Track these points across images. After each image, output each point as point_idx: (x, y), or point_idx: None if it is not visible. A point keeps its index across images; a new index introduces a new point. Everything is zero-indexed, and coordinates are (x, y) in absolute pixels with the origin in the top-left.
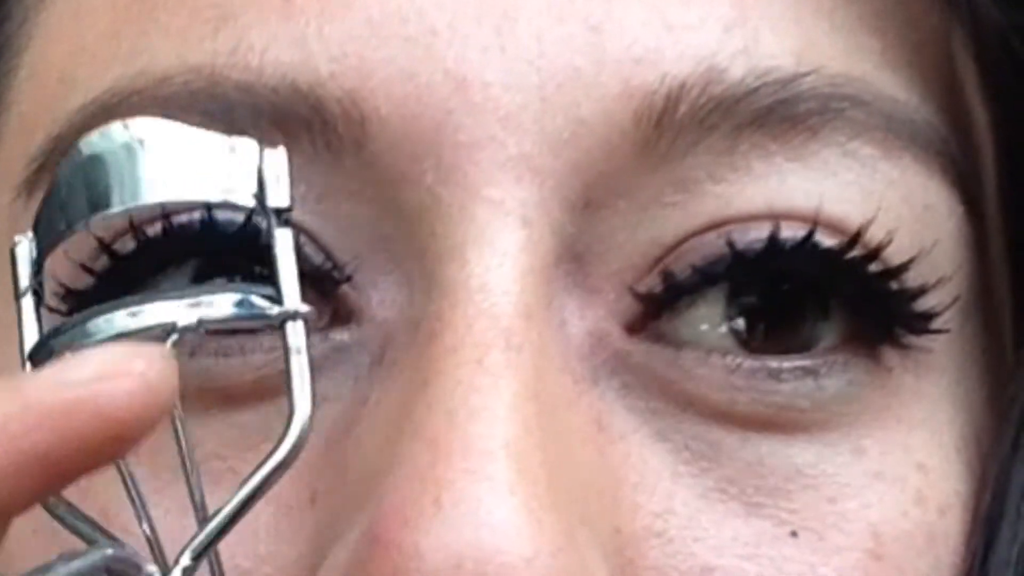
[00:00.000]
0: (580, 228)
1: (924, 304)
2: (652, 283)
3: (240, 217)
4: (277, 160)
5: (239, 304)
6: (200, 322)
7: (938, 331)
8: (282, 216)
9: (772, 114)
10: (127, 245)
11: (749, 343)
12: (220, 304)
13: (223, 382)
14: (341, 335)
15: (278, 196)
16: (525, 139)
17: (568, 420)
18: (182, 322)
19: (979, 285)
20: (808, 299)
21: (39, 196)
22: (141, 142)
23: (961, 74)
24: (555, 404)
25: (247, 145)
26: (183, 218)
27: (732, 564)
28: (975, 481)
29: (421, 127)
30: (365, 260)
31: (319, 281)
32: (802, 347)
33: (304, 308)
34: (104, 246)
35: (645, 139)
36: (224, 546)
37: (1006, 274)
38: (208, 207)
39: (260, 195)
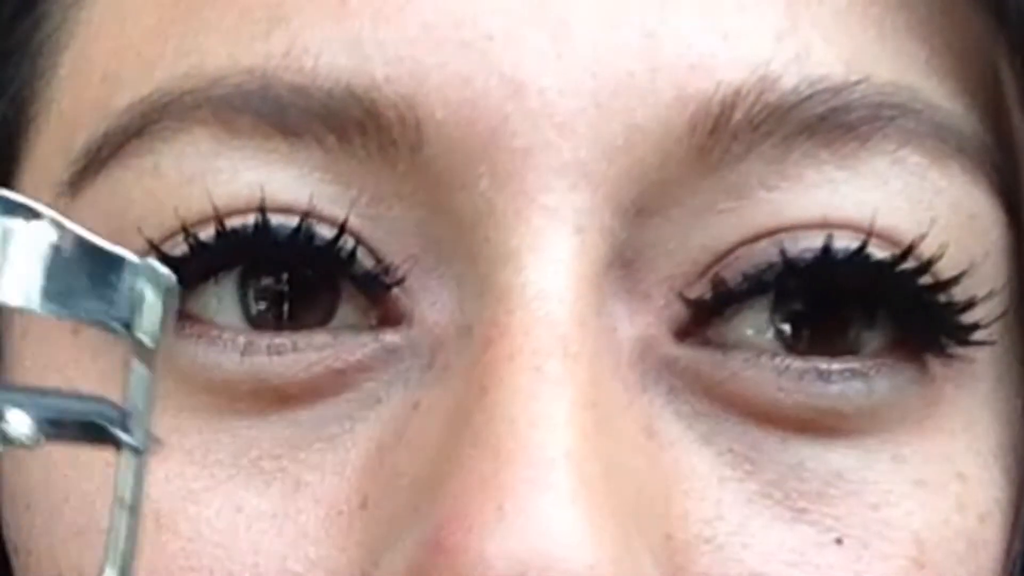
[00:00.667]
0: (632, 234)
1: (971, 316)
2: (702, 289)
3: (294, 221)
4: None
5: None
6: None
7: (983, 343)
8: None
9: (824, 122)
10: (177, 248)
11: (795, 347)
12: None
13: (276, 381)
14: (392, 337)
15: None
16: (580, 145)
17: (621, 428)
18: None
19: (1019, 295)
20: (855, 307)
21: (87, 198)
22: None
23: (1004, 84)
24: (609, 412)
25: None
26: (236, 222)
27: (779, 571)
28: (1012, 489)
29: (476, 132)
30: (417, 263)
31: (369, 285)
32: (847, 353)
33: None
34: (153, 246)
35: (699, 146)
36: (274, 548)
37: None
38: (262, 210)
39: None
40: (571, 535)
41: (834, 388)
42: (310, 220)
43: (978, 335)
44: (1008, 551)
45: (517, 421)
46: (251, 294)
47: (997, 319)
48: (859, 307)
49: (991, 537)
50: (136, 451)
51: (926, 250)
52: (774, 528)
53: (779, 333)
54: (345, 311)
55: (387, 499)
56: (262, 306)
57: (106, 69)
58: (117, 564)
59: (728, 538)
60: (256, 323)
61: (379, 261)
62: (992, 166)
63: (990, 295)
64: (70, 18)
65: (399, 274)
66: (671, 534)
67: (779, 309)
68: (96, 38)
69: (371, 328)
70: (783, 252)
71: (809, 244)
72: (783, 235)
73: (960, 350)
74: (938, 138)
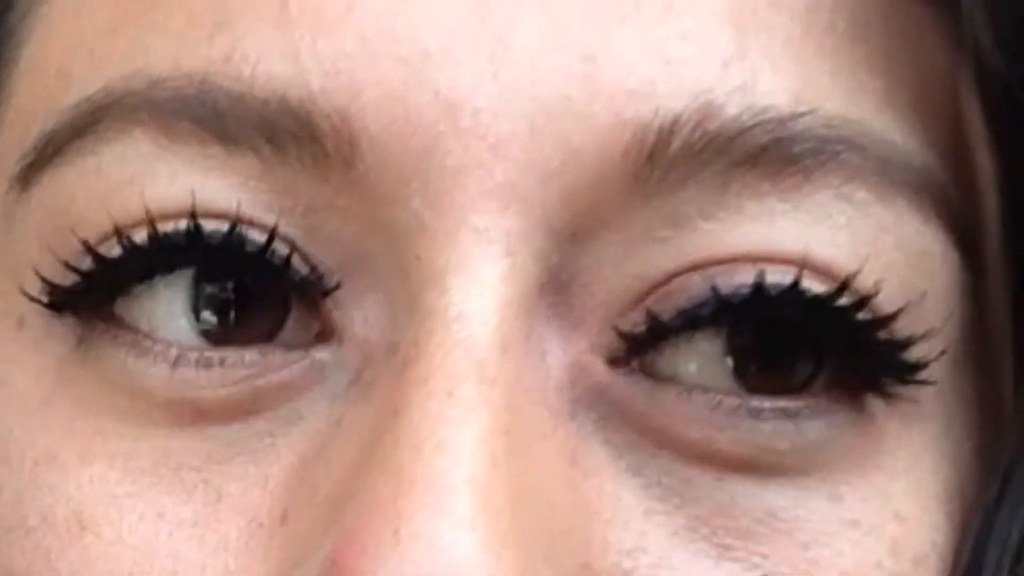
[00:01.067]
0: (566, 258)
1: (913, 354)
2: (635, 320)
3: (225, 226)
4: None
5: None
6: None
7: (925, 382)
8: None
9: (767, 153)
10: (113, 249)
11: (737, 382)
12: None
13: (198, 397)
14: (321, 353)
15: None
16: (513, 167)
17: (540, 455)
18: None
19: (974, 335)
20: (797, 343)
21: (34, 194)
22: None
23: (966, 119)
24: (527, 439)
25: None
26: (168, 226)
27: None
28: (954, 532)
29: (409, 149)
30: (349, 277)
31: (304, 295)
32: (790, 390)
33: None
34: (88, 248)
35: (636, 172)
36: (194, 556)
37: (1008, 326)
38: (193, 214)
39: None
40: (467, 562)
41: (767, 427)
42: (242, 226)
43: (921, 374)
44: None
45: (423, 446)
46: (199, 303)
47: (939, 358)
48: (800, 343)
49: None
50: None
51: (863, 284)
52: (698, 563)
53: (722, 366)
54: (290, 326)
55: (305, 515)
56: (209, 315)
57: (60, 65)
58: None
59: (648, 570)
60: (204, 333)
61: (313, 269)
62: (946, 203)
63: (931, 332)
64: (32, 12)
65: (334, 281)
66: (588, 563)
67: (721, 342)
68: (54, 33)
69: (303, 345)
70: (715, 288)
71: (743, 279)
72: (718, 269)
73: (902, 389)
74: (885, 174)
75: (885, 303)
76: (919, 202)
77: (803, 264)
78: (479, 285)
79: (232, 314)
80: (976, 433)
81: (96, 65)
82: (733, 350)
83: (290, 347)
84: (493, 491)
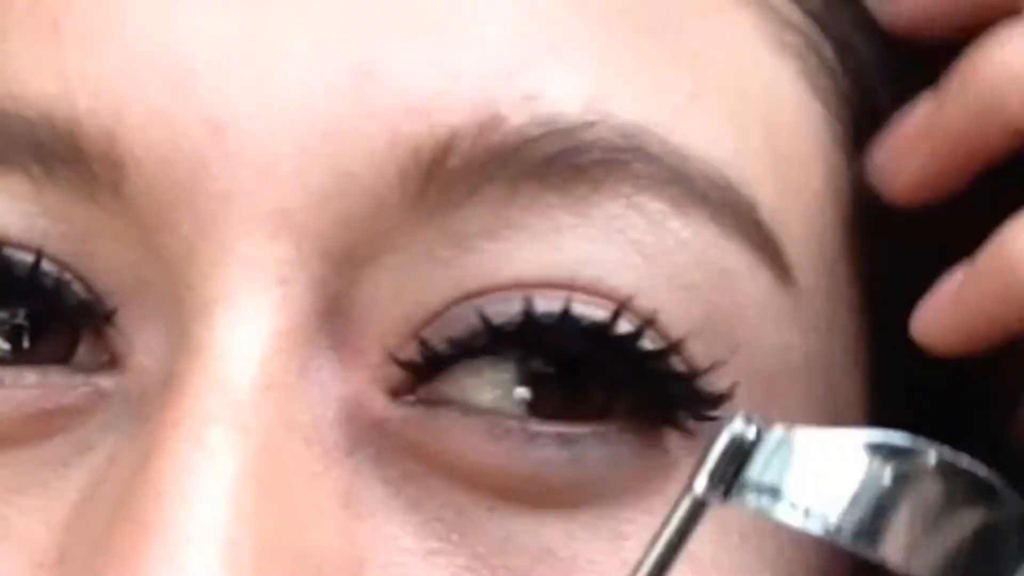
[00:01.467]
0: (345, 284)
1: (710, 384)
2: (412, 351)
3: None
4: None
5: None
6: None
7: (723, 417)
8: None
9: (553, 164)
10: None
11: (528, 409)
12: None
13: None
14: (105, 380)
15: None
16: (283, 192)
17: (306, 499)
18: None
19: (795, 356)
20: (587, 371)
21: None
22: None
23: (793, 127)
24: (288, 483)
25: None
26: None
27: None
28: (766, 570)
29: (176, 173)
30: (129, 303)
31: (81, 317)
32: (584, 418)
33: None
34: None
35: (415, 192)
36: None
37: (849, 348)
38: None
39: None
40: None
41: (541, 453)
42: (10, 249)
43: (722, 407)
44: None
45: (166, 495)
46: None
47: (741, 385)
48: (590, 372)
49: None
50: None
51: (642, 309)
52: None
53: (505, 395)
54: (83, 351)
55: (78, 559)
56: (1, 343)
57: None
58: None
59: None
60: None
61: (90, 290)
62: (755, 220)
63: (733, 357)
64: None
65: (111, 305)
66: None
67: (506, 370)
68: None
69: (85, 371)
70: (485, 319)
71: (513, 308)
72: (489, 298)
73: (699, 425)
74: (683, 185)
75: (673, 328)
76: (722, 216)
77: (571, 289)
78: (247, 319)
79: (26, 339)
80: None
81: None
82: (529, 376)
83: (75, 372)
84: (237, 543)
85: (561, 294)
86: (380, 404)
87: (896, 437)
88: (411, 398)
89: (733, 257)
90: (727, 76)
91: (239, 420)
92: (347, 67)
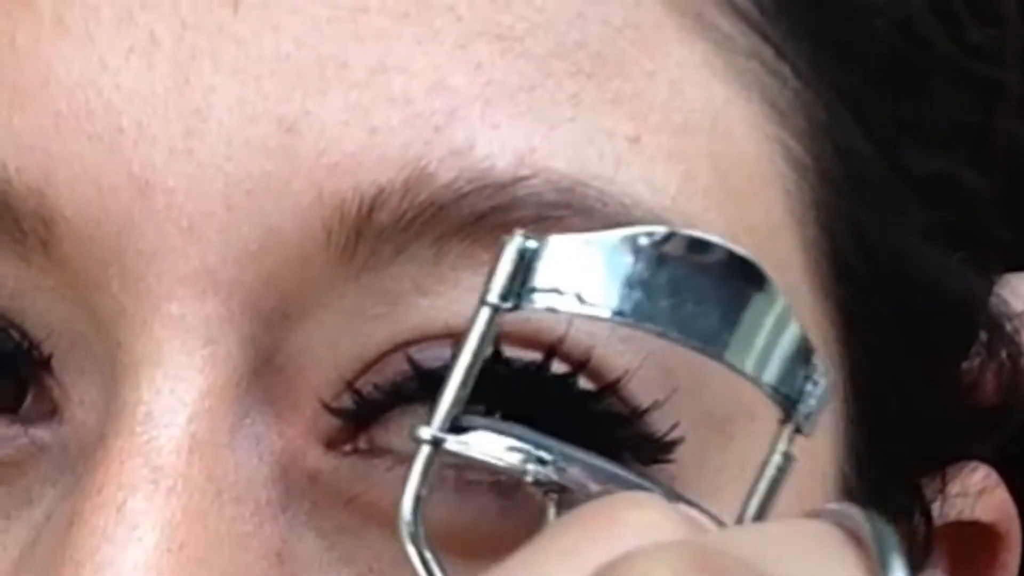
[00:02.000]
0: (278, 340)
1: (653, 424)
2: (345, 401)
3: None
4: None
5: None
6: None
7: (669, 461)
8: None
9: (484, 221)
10: None
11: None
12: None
13: None
14: (43, 432)
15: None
16: (209, 250)
17: (236, 560)
18: None
19: (752, 397)
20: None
21: None
22: None
23: (744, 157)
24: (213, 550)
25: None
26: None
27: None
28: None
29: (105, 232)
30: (65, 356)
31: (27, 367)
32: None
33: None
34: None
35: (342, 248)
36: None
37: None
38: None
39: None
40: None
41: (469, 503)
42: None
43: (671, 453)
44: None
45: (83, 566)
46: None
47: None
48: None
49: None
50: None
51: (574, 351)
52: None
53: None
54: (29, 401)
55: None
56: None
57: None
58: None
59: None
60: None
61: (24, 337)
62: None
63: (675, 395)
64: None
65: (45, 353)
66: None
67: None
68: None
69: (26, 421)
70: (414, 363)
71: (441, 353)
72: (420, 345)
73: (646, 469)
74: None
75: (607, 370)
76: None
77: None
78: (171, 379)
79: None
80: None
81: None
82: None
83: (14, 423)
84: None
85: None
86: (316, 456)
87: (652, 228)
88: (347, 447)
89: None
90: (672, 113)
91: (162, 486)
92: (272, 122)
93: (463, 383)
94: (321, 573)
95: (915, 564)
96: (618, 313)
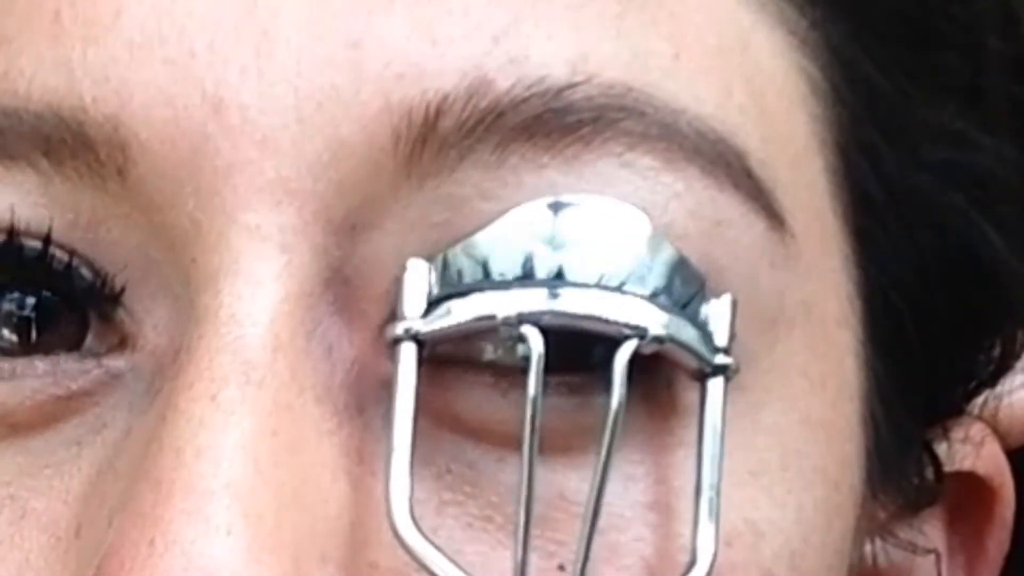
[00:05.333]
0: (347, 251)
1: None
2: None
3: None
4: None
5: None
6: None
7: (727, 353)
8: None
9: (543, 124)
10: None
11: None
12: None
13: (3, 409)
14: (116, 361)
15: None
16: (283, 161)
17: (319, 454)
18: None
19: (791, 302)
20: None
21: None
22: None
23: (773, 79)
24: (302, 440)
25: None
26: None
27: None
28: (774, 509)
29: (180, 152)
30: (137, 284)
31: (91, 301)
32: (589, 367)
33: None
34: None
35: (408, 157)
36: None
37: (845, 287)
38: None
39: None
40: (223, 568)
41: (546, 403)
42: (19, 238)
43: (720, 357)
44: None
45: (183, 452)
46: None
47: (743, 329)
48: None
49: (741, 560)
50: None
51: None
52: (494, 554)
53: (519, 351)
54: (92, 338)
55: (95, 528)
56: (8, 333)
57: None
58: None
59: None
60: (1, 350)
61: (97, 273)
62: (746, 171)
63: (733, 303)
64: None
65: (119, 285)
66: (376, 562)
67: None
68: None
69: (96, 354)
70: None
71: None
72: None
73: (703, 365)
74: (673, 140)
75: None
76: (712, 169)
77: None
78: (252, 284)
79: (33, 330)
80: (801, 404)
81: None
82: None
83: (86, 357)
84: (255, 496)
85: None
86: (386, 365)
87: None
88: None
89: (725, 208)
90: (706, 35)
91: (253, 378)
92: (339, 39)
93: None
94: None
95: (921, 512)
96: None
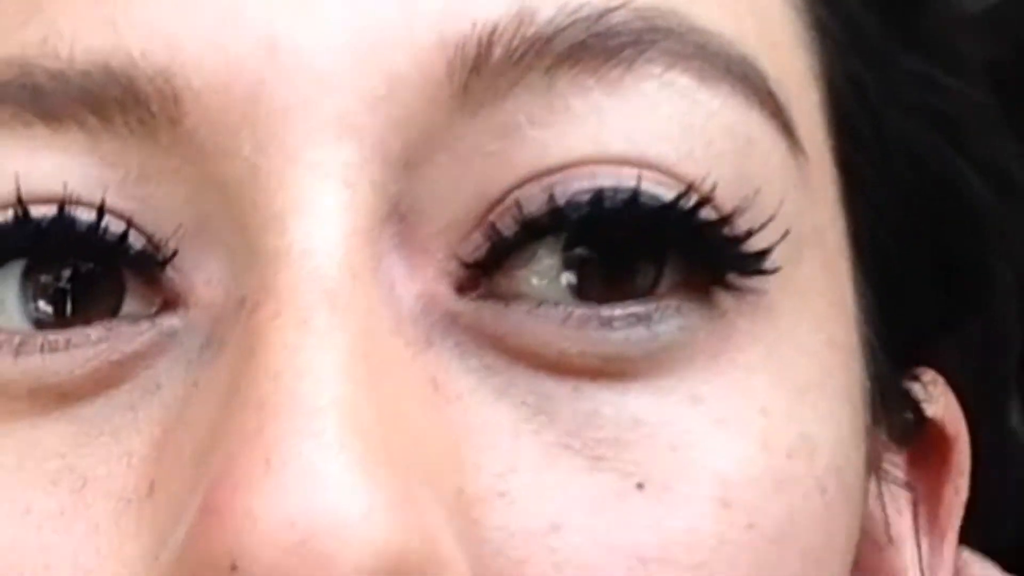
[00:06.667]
0: (403, 187)
1: (754, 244)
2: (478, 241)
3: (54, 210)
4: None
5: None
6: None
7: (768, 271)
8: None
9: (586, 49)
10: None
11: (583, 294)
12: None
13: (54, 380)
14: (170, 320)
15: None
16: (340, 98)
17: (402, 381)
18: None
19: (808, 225)
20: (640, 245)
21: None
22: None
23: (774, 12)
24: (387, 365)
25: None
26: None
27: (579, 521)
28: (822, 424)
29: (234, 98)
30: (187, 241)
31: (143, 266)
32: (636, 294)
33: None
34: None
35: (461, 88)
36: (64, 546)
37: (840, 218)
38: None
39: None
40: (340, 483)
41: (618, 334)
42: (71, 207)
43: (763, 263)
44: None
45: (282, 375)
46: (32, 293)
47: (778, 243)
48: (644, 245)
49: (801, 473)
50: None
51: (704, 184)
52: (573, 478)
53: (567, 280)
54: (130, 302)
55: (173, 481)
56: (43, 304)
57: None
58: None
59: (524, 491)
60: (39, 322)
61: (149, 239)
62: (768, 92)
63: (770, 220)
64: None
65: (170, 249)
66: (463, 488)
67: (565, 255)
68: None
69: (149, 316)
70: (552, 198)
71: (580, 186)
72: (554, 178)
73: (747, 281)
74: (705, 59)
75: (726, 197)
76: (742, 88)
77: (639, 166)
78: (320, 220)
79: (68, 300)
80: (827, 325)
81: None
82: (578, 262)
83: (134, 320)
84: (360, 412)
85: (624, 170)
86: (450, 299)
87: None
88: (477, 293)
89: (756, 126)
90: None
91: (339, 304)
92: None
93: None
94: (474, 404)
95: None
96: None
